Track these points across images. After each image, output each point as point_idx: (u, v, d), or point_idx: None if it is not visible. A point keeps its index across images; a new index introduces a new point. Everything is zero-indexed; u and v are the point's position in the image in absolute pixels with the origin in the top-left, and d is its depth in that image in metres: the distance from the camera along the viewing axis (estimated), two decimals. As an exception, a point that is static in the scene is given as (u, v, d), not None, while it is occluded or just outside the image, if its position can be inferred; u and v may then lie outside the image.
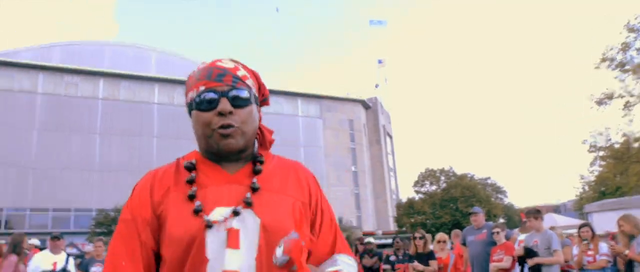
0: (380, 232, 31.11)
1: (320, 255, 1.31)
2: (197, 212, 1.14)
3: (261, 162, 1.27)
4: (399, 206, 34.92)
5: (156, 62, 43.15)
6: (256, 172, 1.23)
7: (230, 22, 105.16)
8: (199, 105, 1.20)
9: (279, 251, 1.09)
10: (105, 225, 27.62)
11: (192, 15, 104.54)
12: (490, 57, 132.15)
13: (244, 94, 1.21)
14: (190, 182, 1.20)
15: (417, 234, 7.15)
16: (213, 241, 1.12)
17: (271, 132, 1.37)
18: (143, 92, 39.70)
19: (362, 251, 8.80)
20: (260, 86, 1.31)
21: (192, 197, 1.17)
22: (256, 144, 1.33)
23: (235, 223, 1.14)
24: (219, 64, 1.23)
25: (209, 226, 1.13)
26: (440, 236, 7.67)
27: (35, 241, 8.39)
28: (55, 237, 6.13)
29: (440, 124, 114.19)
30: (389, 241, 13.86)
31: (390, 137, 54.74)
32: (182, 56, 45.06)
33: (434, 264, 6.84)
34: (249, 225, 1.15)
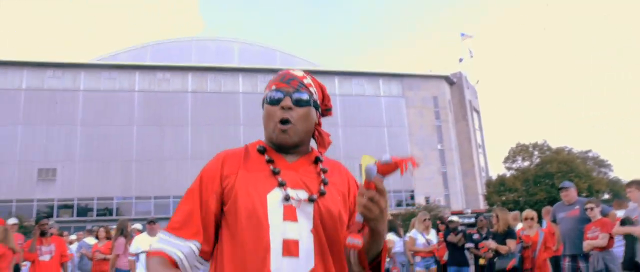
0: (469, 211, 30.16)
1: None
2: (282, 185, 1.37)
3: (321, 161, 1.49)
4: (489, 183, 33.55)
5: (239, 52, 44.76)
6: (324, 171, 1.46)
7: (308, 7, 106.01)
8: (268, 101, 1.46)
9: (385, 156, 1.18)
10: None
11: (271, 3, 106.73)
12: (587, 18, 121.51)
13: (305, 96, 1.45)
14: (270, 161, 1.43)
15: (494, 212, 6.85)
16: (274, 212, 1.34)
17: (329, 135, 1.56)
18: (228, 82, 41.41)
19: (443, 229, 8.57)
20: (324, 97, 1.56)
21: (276, 172, 1.40)
22: (313, 144, 1.55)
23: (293, 203, 1.37)
24: (292, 71, 1.51)
25: (286, 198, 1.35)
26: (527, 213, 7.26)
27: (138, 226, 9.11)
28: (151, 222, 6.87)
29: (531, 95, 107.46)
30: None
31: (478, 112, 52.49)
32: (262, 45, 46.33)
33: (511, 243, 6.50)
34: (305, 205, 1.38)
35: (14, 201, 35.24)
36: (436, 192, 42.05)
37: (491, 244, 6.74)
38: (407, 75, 45.63)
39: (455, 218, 8.65)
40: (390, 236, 8.03)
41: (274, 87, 1.47)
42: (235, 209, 1.34)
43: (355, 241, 1.20)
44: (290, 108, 1.43)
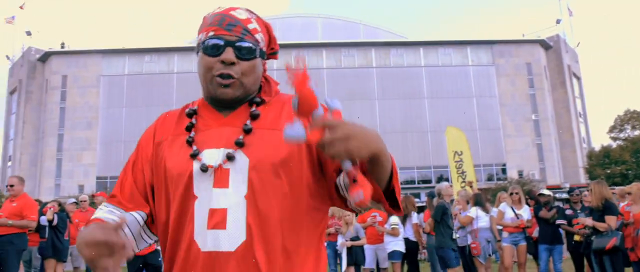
0: (567, 185, 28.18)
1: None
2: (194, 156, 1.21)
3: (258, 104, 1.28)
4: (591, 155, 31.12)
5: (322, 28, 44.90)
6: (253, 117, 1.25)
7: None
8: (205, 50, 1.23)
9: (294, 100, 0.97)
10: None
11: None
12: None
13: (250, 46, 1.23)
14: (189, 128, 1.27)
15: (589, 186, 6.30)
16: (202, 180, 1.18)
17: (277, 84, 1.35)
18: (312, 58, 41.77)
19: (533, 204, 8.06)
20: (270, 39, 1.32)
21: (190, 142, 1.24)
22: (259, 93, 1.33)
23: (225, 164, 1.19)
24: (232, 13, 1.25)
25: (203, 169, 1.18)
26: (630, 187, 6.61)
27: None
28: None
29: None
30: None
31: (578, 78, 48.43)
32: (346, 19, 46.05)
33: (611, 219, 5.95)
34: (237, 165, 1.19)
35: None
36: (530, 165, 39.73)
37: (587, 221, 6.25)
38: (498, 42, 43.03)
39: (546, 192, 8.11)
40: (474, 210, 7.73)
41: (211, 33, 1.23)
42: (165, 179, 1.23)
43: (357, 195, 0.95)
44: (232, 63, 1.21)
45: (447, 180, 40.30)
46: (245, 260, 1.13)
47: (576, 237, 6.99)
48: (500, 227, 7.74)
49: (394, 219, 7.52)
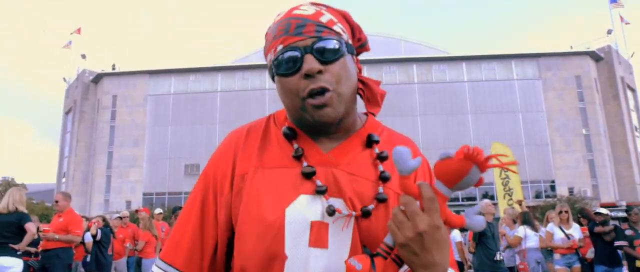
0: (623, 203, 26.69)
1: None
2: (322, 192, 0.91)
3: (377, 142, 0.99)
4: (649, 171, 29.34)
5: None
6: (382, 159, 0.96)
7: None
8: (279, 70, 0.95)
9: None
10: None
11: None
12: None
13: (333, 44, 0.94)
14: (298, 157, 0.96)
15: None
16: (297, 234, 0.90)
17: (378, 83, 1.06)
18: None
19: (586, 223, 7.60)
20: (353, 29, 1.03)
21: (309, 176, 0.94)
22: (358, 114, 1.05)
23: (325, 216, 0.91)
24: (295, 12, 0.97)
25: (330, 213, 0.89)
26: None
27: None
28: None
29: None
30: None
31: (633, 90, 46.15)
32: (387, 35, 45.90)
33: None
34: (339, 220, 0.91)
35: (166, 193, 39.63)
36: (582, 182, 37.96)
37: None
38: (544, 55, 41.77)
39: (603, 210, 7.64)
40: (522, 230, 7.37)
41: (280, 46, 0.95)
42: (241, 229, 0.94)
43: (354, 263, 0.81)
44: (319, 71, 0.92)
45: (492, 197, 39.14)
46: None
47: (638, 263, 6.47)
48: (550, 249, 7.35)
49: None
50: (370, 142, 0.99)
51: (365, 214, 0.90)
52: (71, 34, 44.29)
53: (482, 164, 0.73)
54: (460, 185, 0.76)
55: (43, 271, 6.46)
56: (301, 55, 0.93)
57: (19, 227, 5.60)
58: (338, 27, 0.98)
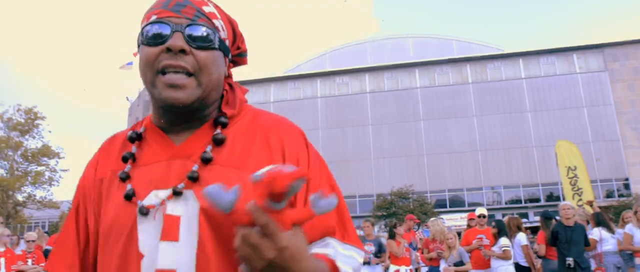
0: None
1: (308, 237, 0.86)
2: (128, 197, 0.91)
3: (224, 125, 0.96)
4: None
5: (413, 47, 44.26)
6: (217, 142, 0.94)
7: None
8: (145, 40, 0.93)
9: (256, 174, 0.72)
10: (384, 208, 29.83)
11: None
12: None
13: (206, 32, 0.93)
14: (125, 159, 0.97)
15: None
16: (147, 231, 0.89)
17: (245, 91, 1.05)
18: (405, 79, 41.21)
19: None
20: (235, 37, 1.02)
21: (123, 179, 0.95)
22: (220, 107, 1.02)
23: (176, 209, 0.89)
24: None
25: (143, 212, 0.89)
26: None
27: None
28: None
29: None
30: None
31: None
32: (438, 36, 44.99)
33: None
34: (190, 211, 0.89)
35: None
36: (659, 179, 35.29)
37: None
38: (609, 45, 39.27)
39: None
40: (596, 232, 6.81)
41: (154, 17, 0.93)
42: (102, 232, 0.95)
43: None
44: (182, 50, 0.90)
45: (558, 198, 37.19)
46: None
47: None
48: (629, 252, 6.76)
49: (505, 241, 6.87)
50: (216, 123, 0.97)
51: (176, 193, 0.89)
52: (134, 55, 46.47)
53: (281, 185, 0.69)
54: (289, 196, 0.72)
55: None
56: (171, 31, 0.91)
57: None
58: (218, 23, 0.97)
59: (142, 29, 0.95)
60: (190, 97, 0.92)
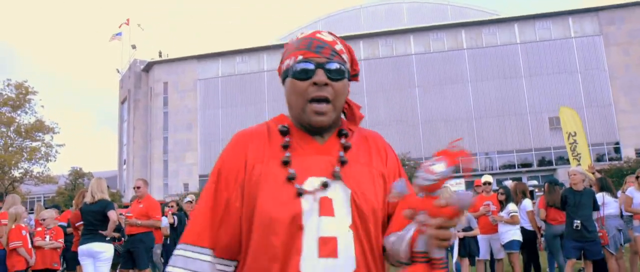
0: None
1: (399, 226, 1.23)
2: (290, 179, 1.17)
3: (346, 136, 1.28)
4: None
5: (408, 13, 43.93)
6: (346, 148, 1.25)
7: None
8: (295, 74, 1.22)
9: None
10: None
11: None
12: None
13: (340, 67, 1.23)
14: (285, 147, 1.23)
15: None
16: (306, 209, 1.15)
17: (359, 107, 1.35)
18: (399, 45, 41.07)
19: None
20: (352, 61, 1.32)
21: (286, 163, 1.20)
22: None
23: (328, 193, 1.17)
24: (318, 36, 1.26)
25: (300, 193, 1.15)
26: None
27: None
28: None
29: None
30: None
31: None
32: (432, 1, 44.63)
33: None
34: (339, 196, 1.18)
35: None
36: (650, 143, 35.92)
37: None
38: (605, 8, 39.18)
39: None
40: (600, 197, 7.10)
41: (300, 56, 1.23)
42: (262, 208, 1.16)
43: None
44: (325, 84, 1.20)
45: (550, 162, 37.80)
46: None
47: None
48: (630, 215, 7.06)
49: (513, 207, 7.14)
50: (340, 134, 1.28)
51: (324, 185, 1.17)
52: (120, 26, 45.75)
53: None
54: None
55: (128, 254, 6.87)
56: (315, 68, 1.21)
57: (104, 215, 5.95)
58: (345, 57, 1.28)
59: (291, 65, 1.24)
60: (330, 120, 1.24)
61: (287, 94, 1.27)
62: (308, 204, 1.15)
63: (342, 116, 1.34)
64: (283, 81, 1.30)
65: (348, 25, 43.01)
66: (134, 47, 46.57)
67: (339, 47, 1.27)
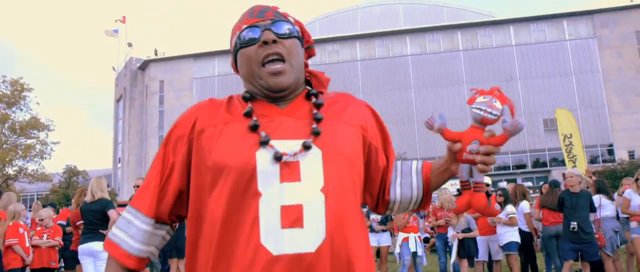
0: (693, 164, 25.33)
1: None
2: (265, 143, 1.07)
3: (316, 95, 1.20)
4: None
5: (404, 14, 44.00)
6: (318, 106, 1.17)
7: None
8: (241, 43, 1.16)
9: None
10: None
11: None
12: None
13: (287, 25, 1.17)
14: (249, 114, 1.14)
15: None
16: (267, 174, 1.05)
17: (328, 80, 1.28)
18: (396, 46, 41.14)
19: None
20: (303, 32, 1.26)
21: (255, 128, 1.11)
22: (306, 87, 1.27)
23: (296, 157, 1.08)
24: (258, 3, 1.23)
25: (278, 157, 1.06)
26: None
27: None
28: None
29: None
30: None
31: (699, 44, 43.18)
32: (428, 3, 44.74)
33: None
34: (308, 156, 1.08)
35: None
36: (642, 145, 36.19)
37: None
38: (599, 11, 39.45)
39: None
40: (597, 199, 7.15)
41: (244, 26, 1.17)
42: (212, 174, 1.08)
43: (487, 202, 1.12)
44: (274, 41, 1.13)
45: (544, 164, 38.00)
46: (334, 260, 1.03)
47: None
48: (626, 216, 7.11)
49: (511, 208, 7.18)
50: (309, 95, 1.21)
51: (305, 146, 1.07)
52: (116, 21, 45.54)
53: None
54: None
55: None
56: (261, 30, 1.15)
57: (104, 214, 5.92)
58: (291, 19, 1.22)
59: (237, 37, 1.18)
60: (289, 80, 1.15)
61: (240, 70, 1.21)
62: (264, 170, 1.06)
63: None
64: (235, 63, 1.23)
65: (344, 26, 43.03)
66: (130, 45, 46.40)
67: (282, 11, 1.22)
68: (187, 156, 1.16)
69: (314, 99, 1.19)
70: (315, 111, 1.15)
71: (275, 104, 1.17)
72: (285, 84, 1.14)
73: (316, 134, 1.10)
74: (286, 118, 1.13)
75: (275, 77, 1.12)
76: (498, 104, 1.10)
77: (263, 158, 1.06)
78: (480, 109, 1.09)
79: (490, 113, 1.09)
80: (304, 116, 1.14)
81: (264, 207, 1.03)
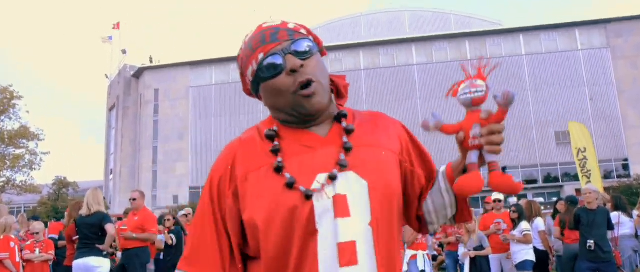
0: None
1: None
2: (290, 185, 1.06)
3: (345, 116, 1.18)
4: None
5: (410, 22, 44.23)
6: (348, 132, 1.15)
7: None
8: (265, 75, 1.13)
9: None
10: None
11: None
12: None
13: (306, 43, 1.15)
14: (275, 152, 1.12)
15: None
16: (318, 212, 1.05)
17: (343, 78, 1.26)
18: (401, 55, 41.27)
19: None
20: (313, 37, 1.22)
21: (279, 170, 1.09)
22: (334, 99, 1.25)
23: (339, 189, 1.07)
24: (265, 25, 1.17)
25: (308, 196, 1.05)
26: None
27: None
28: None
29: None
30: None
31: None
32: (434, 10, 45.00)
33: None
34: (355, 189, 1.08)
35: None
36: (661, 159, 36.11)
37: None
38: (613, 20, 39.59)
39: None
40: (616, 216, 7.14)
41: (261, 55, 1.13)
42: (261, 222, 1.08)
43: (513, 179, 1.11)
44: (301, 66, 1.10)
45: (556, 179, 37.91)
46: None
47: None
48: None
49: (525, 225, 7.15)
50: (338, 118, 1.19)
51: (332, 178, 1.07)
52: (112, 28, 45.77)
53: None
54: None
55: (122, 269, 6.82)
56: (283, 57, 1.11)
57: (101, 228, 5.91)
58: (304, 31, 1.18)
59: (259, 69, 1.14)
60: (323, 100, 1.14)
61: (267, 101, 1.18)
62: (318, 207, 1.06)
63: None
64: (256, 93, 1.22)
65: (348, 34, 43.23)
66: (124, 52, 46.61)
67: (292, 25, 1.18)
68: (233, 206, 1.14)
69: (344, 124, 1.17)
70: (344, 138, 1.14)
71: (312, 131, 1.17)
72: (322, 106, 1.14)
73: (342, 166, 1.09)
74: (325, 149, 1.13)
75: (309, 100, 1.11)
76: (479, 81, 1.15)
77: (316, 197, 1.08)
78: (465, 93, 1.14)
79: (476, 91, 1.14)
80: (334, 141, 1.15)
81: (321, 245, 1.05)
